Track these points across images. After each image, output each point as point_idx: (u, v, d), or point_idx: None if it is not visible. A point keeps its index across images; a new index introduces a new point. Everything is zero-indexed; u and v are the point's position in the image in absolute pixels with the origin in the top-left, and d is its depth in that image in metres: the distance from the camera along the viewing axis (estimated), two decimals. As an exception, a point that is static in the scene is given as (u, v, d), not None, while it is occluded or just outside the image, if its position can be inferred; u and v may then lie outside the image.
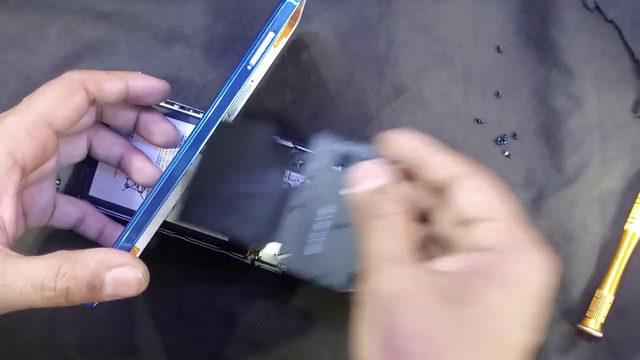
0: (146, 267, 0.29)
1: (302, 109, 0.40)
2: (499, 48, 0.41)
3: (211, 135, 0.32)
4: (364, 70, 0.41)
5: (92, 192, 0.38)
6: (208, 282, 0.40)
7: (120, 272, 0.28)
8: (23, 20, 0.41)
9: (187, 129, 0.38)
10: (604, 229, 0.40)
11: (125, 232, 0.31)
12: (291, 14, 0.32)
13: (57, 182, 0.38)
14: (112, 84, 0.33)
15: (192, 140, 0.31)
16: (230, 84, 0.31)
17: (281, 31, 0.32)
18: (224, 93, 0.31)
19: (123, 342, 0.40)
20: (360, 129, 0.41)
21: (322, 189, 0.33)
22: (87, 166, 0.38)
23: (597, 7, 0.40)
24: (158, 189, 0.31)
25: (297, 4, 0.32)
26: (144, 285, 0.29)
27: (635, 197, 0.40)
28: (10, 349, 0.40)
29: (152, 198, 0.31)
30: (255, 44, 0.31)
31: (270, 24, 0.31)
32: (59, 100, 0.31)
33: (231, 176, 0.35)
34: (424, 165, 0.27)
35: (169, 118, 0.37)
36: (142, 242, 0.33)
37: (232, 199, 0.35)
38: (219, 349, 0.40)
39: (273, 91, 0.40)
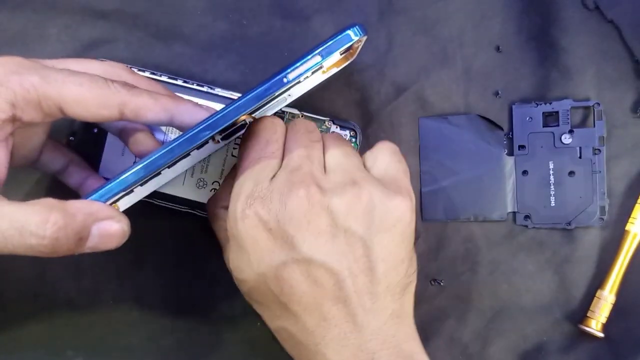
0: (129, 221, 0.29)
1: (302, 109, 0.40)
2: (499, 48, 0.41)
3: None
4: (364, 70, 0.41)
5: (101, 172, 0.38)
6: (208, 281, 0.40)
7: (107, 224, 0.28)
8: (23, 20, 0.41)
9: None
10: (605, 229, 0.40)
11: (102, 189, 0.29)
12: (345, 46, 0.31)
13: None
14: (154, 115, 0.31)
15: (203, 126, 0.30)
16: (260, 88, 0.30)
17: (331, 59, 0.31)
18: (251, 94, 0.30)
19: (122, 342, 0.40)
20: (360, 129, 0.41)
21: None
22: (95, 146, 0.38)
23: (597, 7, 0.40)
24: (148, 161, 0.29)
25: (355, 39, 0.31)
26: (125, 238, 0.29)
27: (637, 198, 0.40)
28: (10, 349, 0.40)
29: (138, 166, 0.29)
30: (300, 60, 0.30)
31: (322, 47, 0.30)
32: (84, 102, 0.29)
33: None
34: None
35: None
36: (123, 203, 0.33)
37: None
38: (218, 349, 0.40)
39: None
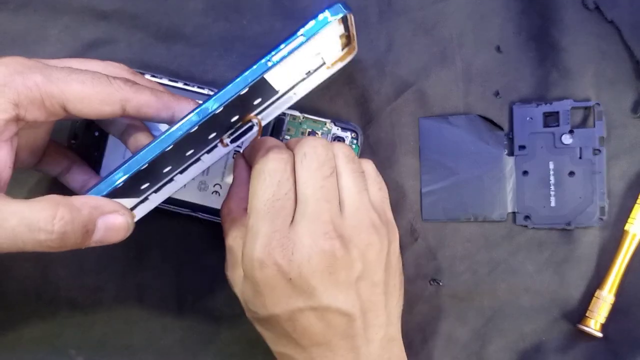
0: (133, 215, 0.30)
1: (302, 109, 0.40)
2: (499, 48, 0.41)
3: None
4: (364, 70, 0.41)
5: (102, 175, 0.38)
6: (208, 281, 0.41)
7: (112, 218, 0.29)
8: (24, 21, 0.41)
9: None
10: (604, 229, 0.40)
11: (103, 181, 0.30)
12: (325, 27, 0.31)
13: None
14: (156, 112, 0.31)
15: (192, 115, 0.29)
16: (244, 74, 0.30)
17: (316, 37, 0.30)
18: (235, 81, 0.30)
19: (124, 341, 0.40)
20: (360, 129, 0.41)
21: None
22: (96, 149, 0.38)
23: (597, 8, 0.40)
24: (147, 148, 0.29)
25: (333, 18, 0.30)
26: (130, 232, 0.30)
27: (636, 198, 0.40)
28: (12, 348, 0.40)
29: (139, 154, 0.29)
30: (283, 42, 0.30)
31: (303, 27, 0.30)
32: (87, 99, 0.29)
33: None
34: None
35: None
36: (139, 212, 0.33)
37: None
38: (219, 349, 0.40)
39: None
